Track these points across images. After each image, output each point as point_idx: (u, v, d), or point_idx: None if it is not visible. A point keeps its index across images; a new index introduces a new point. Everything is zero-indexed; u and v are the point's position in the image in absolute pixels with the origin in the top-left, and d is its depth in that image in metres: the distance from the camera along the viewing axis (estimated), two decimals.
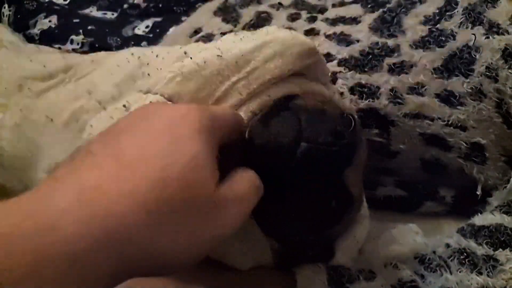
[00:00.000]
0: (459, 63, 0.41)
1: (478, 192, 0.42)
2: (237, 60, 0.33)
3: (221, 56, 0.33)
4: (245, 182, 0.26)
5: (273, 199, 0.29)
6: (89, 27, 0.62)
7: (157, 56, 0.37)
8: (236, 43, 0.35)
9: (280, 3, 0.55)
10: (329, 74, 0.39)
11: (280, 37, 0.34)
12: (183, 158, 0.23)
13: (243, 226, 0.32)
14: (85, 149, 0.24)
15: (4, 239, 0.19)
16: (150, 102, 0.32)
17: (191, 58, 0.33)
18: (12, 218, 0.20)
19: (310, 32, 0.49)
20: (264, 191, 0.28)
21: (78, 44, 0.60)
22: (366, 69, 0.44)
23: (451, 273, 0.35)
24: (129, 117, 0.26)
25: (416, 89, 0.42)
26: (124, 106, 0.34)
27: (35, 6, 0.64)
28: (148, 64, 0.36)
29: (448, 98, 0.41)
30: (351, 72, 0.44)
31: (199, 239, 0.24)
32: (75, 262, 0.20)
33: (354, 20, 0.48)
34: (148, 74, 0.35)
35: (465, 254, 0.36)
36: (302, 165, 0.28)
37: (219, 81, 0.32)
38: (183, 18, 0.62)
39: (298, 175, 0.28)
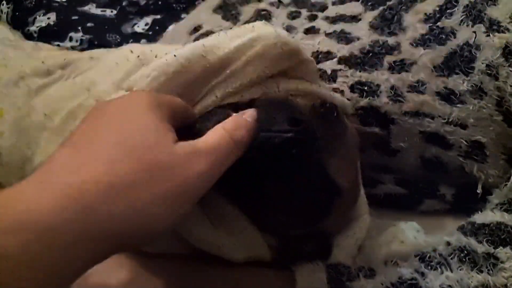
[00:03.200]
0: (459, 61, 0.41)
1: (479, 190, 0.42)
2: (221, 62, 0.33)
3: (205, 56, 0.32)
4: (215, 134, 0.27)
5: (257, 191, 0.30)
6: (88, 24, 0.61)
7: (156, 56, 0.37)
8: (221, 39, 0.34)
9: (280, 1, 0.55)
10: (318, 71, 0.39)
11: (263, 36, 0.33)
12: (132, 124, 0.25)
13: (235, 220, 0.32)
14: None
15: None
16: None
17: (175, 55, 0.33)
18: None
19: (310, 30, 0.49)
20: (247, 184, 0.28)
21: (77, 41, 0.60)
22: (366, 67, 0.43)
23: (451, 271, 0.35)
24: (85, 116, 0.27)
25: (416, 87, 0.42)
26: None
27: (33, 3, 0.63)
28: (147, 64, 0.36)
29: (448, 96, 0.41)
30: (351, 70, 0.44)
31: (167, 190, 0.24)
32: (42, 233, 0.21)
33: (354, 18, 0.48)
34: None
35: (465, 252, 0.35)
36: (264, 153, 0.28)
37: (201, 84, 0.32)
38: (182, 16, 0.62)
39: (265, 164, 0.28)
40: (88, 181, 0.22)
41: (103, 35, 0.60)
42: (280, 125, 0.28)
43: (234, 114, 0.29)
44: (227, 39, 0.34)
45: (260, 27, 0.35)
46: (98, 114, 0.27)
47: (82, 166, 0.23)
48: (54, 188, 0.22)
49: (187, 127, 0.30)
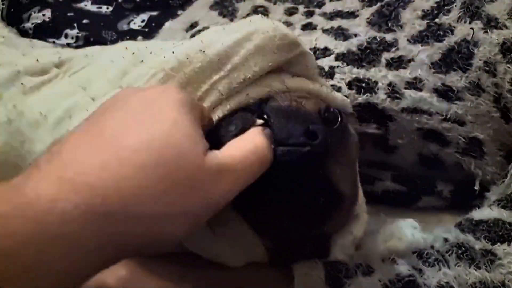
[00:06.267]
0: (457, 57, 0.41)
1: (476, 187, 0.42)
2: (220, 56, 0.32)
3: (204, 51, 0.32)
4: (243, 148, 0.25)
5: (261, 200, 0.29)
6: (84, 21, 0.61)
7: (151, 52, 0.36)
8: (219, 34, 0.34)
9: None
10: (317, 66, 0.38)
11: (261, 29, 0.33)
12: (163, 125, 0.23)
13: (233, 225, 0.32)
14: (64, 138, 0.24)
15: None
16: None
17: (173, 52, 0.32)
18: None
19: (307, 27, 0.49)
20: (252, 191, 0.27)
21: (72, 38, 0.59)
22: (364, 64, 0.43)
23: (449, 268, 0.35)
24: (106, 102, 0.26)
25: (414, 84, 0.42)
26: None
27: None
28: (142, 61, 0.36)
29: (446, 92, 0.41)
30: (348, 66, 0.43)
31: (191, 203, 0.23)
32: (60, 239, 0.20)
33: (352, 15, 0.47)
34: None
35: (463, 248, 0.36)
36: (278, 167, 0.27)
37: (201, 80, 0.32)
38: (179, 12, 0.61)
39: (278, 176, 0.28)
40: (112, 186, 0.21)
41: (99, 32, 0.60)
42: (297, 138, 0.27)
43: (259, 121, 0.28)
44: (224, 33, 0.34)
45: (257, 20, 0.34)
46: (124, 103, 0.25)
47: (104, 164, 0.22)
48: (74, 190, 0.21)
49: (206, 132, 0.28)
